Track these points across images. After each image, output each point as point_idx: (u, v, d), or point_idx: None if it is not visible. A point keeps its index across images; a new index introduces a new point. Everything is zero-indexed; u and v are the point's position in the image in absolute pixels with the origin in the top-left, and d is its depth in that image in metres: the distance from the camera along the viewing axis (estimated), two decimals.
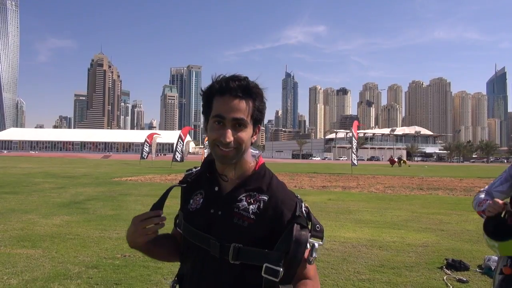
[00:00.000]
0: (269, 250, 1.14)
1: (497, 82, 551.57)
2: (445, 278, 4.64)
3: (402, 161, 55.14)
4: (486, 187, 2.24)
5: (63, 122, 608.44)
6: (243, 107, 1.18)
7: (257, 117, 1.22)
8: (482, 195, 2.17)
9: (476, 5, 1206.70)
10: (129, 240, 1.25)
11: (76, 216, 8.49)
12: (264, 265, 1.11)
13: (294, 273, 1.13)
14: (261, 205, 1.20)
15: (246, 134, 1.19)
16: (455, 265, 5.02)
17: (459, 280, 4.57)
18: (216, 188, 1.26)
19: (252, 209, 1.20)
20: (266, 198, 1.22)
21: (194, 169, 1.41)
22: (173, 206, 1.37)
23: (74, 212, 8.94)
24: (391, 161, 54.59)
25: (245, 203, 1.21)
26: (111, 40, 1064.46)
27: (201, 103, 1.27)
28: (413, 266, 5.12)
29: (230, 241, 1.17)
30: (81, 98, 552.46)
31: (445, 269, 4.96)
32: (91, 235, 6.61)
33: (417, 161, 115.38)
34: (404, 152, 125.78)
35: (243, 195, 1.23)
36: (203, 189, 1.30)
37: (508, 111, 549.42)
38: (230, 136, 1.16)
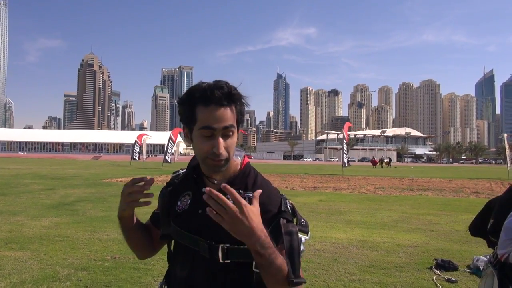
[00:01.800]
0: None
1: (486, 84, 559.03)
2: (434, 278, 4.69)
3: (384, 163, 56.65)
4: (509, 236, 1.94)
5: (52, 123, 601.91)
6: (229, 115, 1.17)
7: (240, 120, 1.24)
8: None
9: (463, 9, 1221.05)
10: (118, 210, 1.31)
11: (66, 217, 8.40)
12: (254, 261, 1.13)
13: (299, 265, 1.14)
14: (248, 202, 1.21)
15: (234, 140, 1.21)
16: (444, 265, 5.07)
17: (448, 280, 4.62)
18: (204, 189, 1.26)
19: None
20: (251, 195, 1.21)
21: (181, 171, 1.41)
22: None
23: (63, 214, 8.84)
24: (373, 162, 55.54)
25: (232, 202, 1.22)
26: (102, 40, 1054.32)
27: (178, 111, 1.25)
28: (403, 267, 5.16)
29: (219, 240, 1.17)
30: (71, 98, 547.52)
31: (434, 269, 5.01)
32: (81, 237, 6.54)
33: (407, 162, 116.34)
34: (394, 153, 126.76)
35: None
36: (191, 191, 1.30)
37: (496, 113, 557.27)
38: (222, 147, 1.16)
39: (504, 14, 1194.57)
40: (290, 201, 1.24)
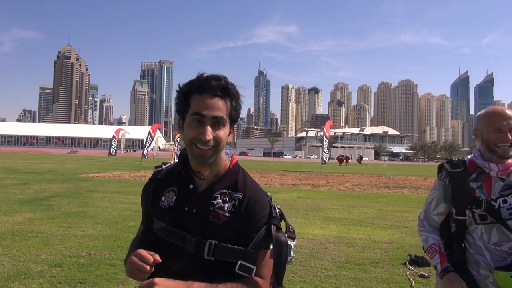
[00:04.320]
0: (245, 248, 1.17)
1: (461, 85, 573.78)
2: (408, 273, 4.80)
3: (351, 160, 57.67)
4: (422, 213, 2.11)
5: (27, 116, 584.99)
6: (222, 106, 1.18)
7: (234, 117, 1.24)
8: (427, 236, 2.04)
9: (438, 12, 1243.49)
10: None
11: (40, 213, 8.20)
12: (238, 262, 1.14)
13: (283, 275, 1.18)
14: (236, 203, 1.22)
15: (224, 132, 1.20)
16: (418, 261, 5.20)
17: (421, 276, 4.74)
18: (191, 186, 1.26)
19: (227, 207, 1.21)
20: (240, 196, 1.23)
21: (163, 166, 1.39)
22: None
23: (37, 209, 8.63)
24: (340, 160, 55.52)
25: (220, 201, 1.22)
26: (80, 32, 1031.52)
27: (175, 100, 1.25)
28: (378, 262, 5.27)
29: (206, 238, 1.17)
30: (46, 91, 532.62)
31: (408, 265, 5.13)
32: (55, 233, 6.40)
33: (384, 160, 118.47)
34: (372, 151, 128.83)
35: (218, 193, 1.23)
36: (176, 186, 1.28)
37: (471, 113, 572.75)
38: (210, 134, 1.16)
39: (478, 18, 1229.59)
40: (278, 206, 1.26)
